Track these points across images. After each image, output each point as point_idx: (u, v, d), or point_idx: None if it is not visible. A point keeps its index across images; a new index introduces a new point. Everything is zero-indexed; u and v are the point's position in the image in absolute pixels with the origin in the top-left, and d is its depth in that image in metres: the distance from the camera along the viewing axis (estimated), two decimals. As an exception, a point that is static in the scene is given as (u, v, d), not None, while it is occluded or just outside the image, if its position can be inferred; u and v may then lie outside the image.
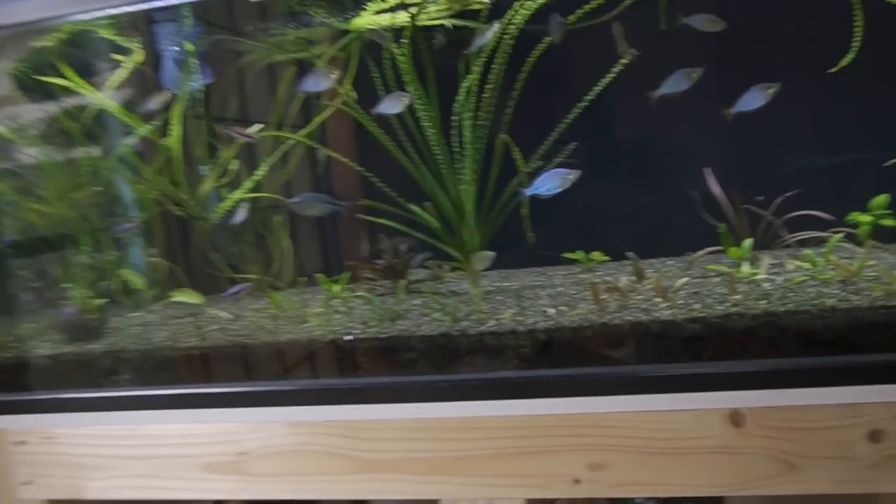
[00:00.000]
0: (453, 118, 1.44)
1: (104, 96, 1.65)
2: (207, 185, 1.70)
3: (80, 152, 1.76)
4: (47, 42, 1.60)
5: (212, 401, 1.29)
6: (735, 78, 1.28)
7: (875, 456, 1.02)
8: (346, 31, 1.54)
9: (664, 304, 1.20)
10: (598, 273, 1.54)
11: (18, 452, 1.38)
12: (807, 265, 1.27)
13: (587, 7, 1.33)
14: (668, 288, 1.23)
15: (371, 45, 1.53)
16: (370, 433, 1.21)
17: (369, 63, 1.50)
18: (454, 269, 1.65)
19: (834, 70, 1.20)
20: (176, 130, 1.65)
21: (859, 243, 1.31)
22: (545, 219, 1.51)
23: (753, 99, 1.16)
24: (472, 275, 1.49)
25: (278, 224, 1.78)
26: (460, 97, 1.43)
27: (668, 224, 1.67)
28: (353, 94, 1.50)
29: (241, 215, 1.57)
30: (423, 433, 1.19)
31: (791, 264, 1.32)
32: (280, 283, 1.76)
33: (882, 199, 1.32)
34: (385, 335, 1.29)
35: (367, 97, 1.49)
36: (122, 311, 1.75)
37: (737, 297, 1.18)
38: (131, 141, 1.70)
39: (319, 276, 1.60)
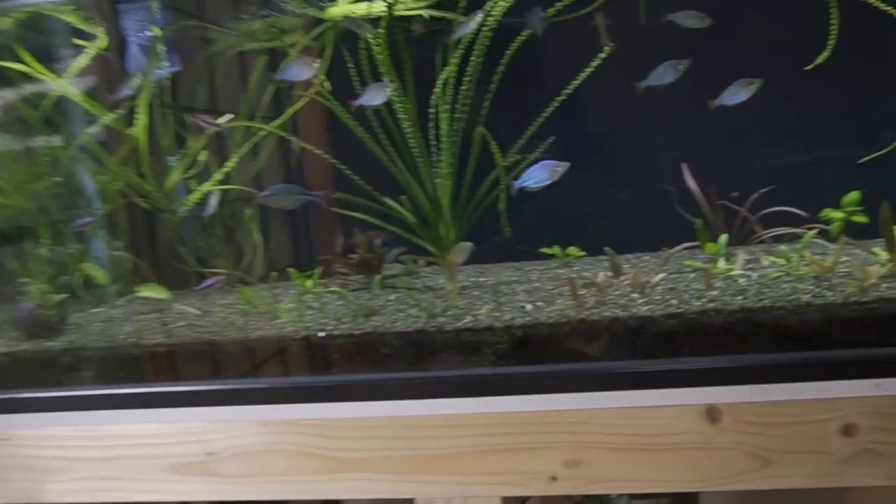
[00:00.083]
0: (430, 110, 1.42)
1: (65, 83, 1.59)
2: (175, 177, 1.65)
3: (39, 141, 1.70)
4: (3, 24, 1.54)
5: (179, 399, 1.25)
6: (710, 74, 1.28)
7: (848, 450, 1.02)
8: (321, 20, 1.51)
9: (641, 300, 1.19)
10: (574, 268, 1.54)
11: (-28, 455, 1.32)
12: (781, 261, 1.28)
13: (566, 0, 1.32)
14: (646, 283, 1.23)
15: (346, 34, 1.50)
16: (343, 432, 1.18)
17: (344, 53, 1.47)
18: (429, 263, 1.63)
19: (809, 67, 1.20)
20: (141, 119, 1.60)
21: (832, 239, 1.32)
22: (521, 213, 1.50)
23: (736, 93, 1.16)
24: (448, 270, 1.47)
25: (249, 217, 1.74)
26: (437, 89, 1.41)
27: (644, 219, 1.67)
28: (328, 85, 1.47)
29: (212, 205, 1.53)
30: (397, 431, 1.17)
31: (766, 260, 1.32)
32: (250, 278, 1.72)
33: (854, 195, 1.34)
34: (359, 331, 1.26)
35: (342, 88, 1.46)
36: (83, 306, 1.69)
37: (713, 292, 1.18)
38: (94, 130, 1.64)
39: (291, 270, 1.56)
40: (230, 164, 1.59)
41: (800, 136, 1.63)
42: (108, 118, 1.59)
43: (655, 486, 1.09)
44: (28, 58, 1.56)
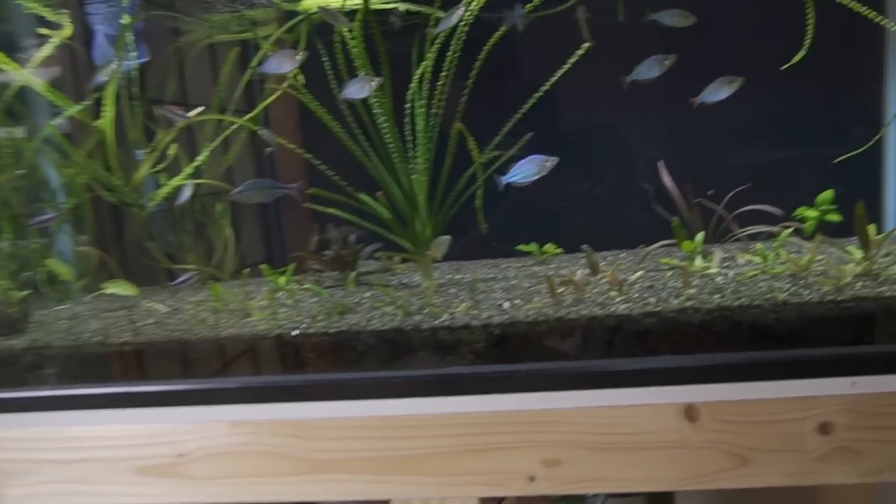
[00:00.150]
0: (406, 105, 1.40)
1: (28, 73, 1.54)
2: (143, 171, 1.61)
3: (0, 133, 1.64)
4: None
5: (147, 399, 1.22)
6: (688, 72, 1.28)
7: (824, 448, 1.03)
8: (294, 13, 1.48)
9: (619, 298, 1.19)
10: (551, 266, 1.53)
11: (-73, 458, 1.27)
12: (757, 259, 1.28)
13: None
14: (623, 281, 1.22)
15: (320, 27, 1.47)
16: (318, 432, 1.16)
17: (318, 46, 1.45)
18: (404, 260, 1.61)
19: (785, 67, 1.21)
20: (109, 111, 1.56)
21: (806, 238, 1.33)
22: (497, 210, 1.49)
23: (717, 91, 1.16)
24: (425, 266, 1.45)
25: (220, 212, 1.70)
26: (413, 84, 1.39)
27: (620, 217, 1.67)
28: (301, 79, 1.44)
29: (185, 195, 1.48)
30: (372, 431, 1.15)
31: (742, 258, 1.33)
32: (221, 275, 1.69)
33: (827, 194, 1.35)
34: (334, 329, 1.24)
35: (316, 82, 1.43)
36: (47, 303, 1.64)
37: (691, 290, 1.18)
38: (59, 121, 1.59)
39: (264, 267, 1.53)
40: (201, 158, 1.55)
41: (773, 135, 1.64)
42: (74, 109, 1.54)
43: (634, 485, 1.09)
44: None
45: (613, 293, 1.22)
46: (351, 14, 1.38)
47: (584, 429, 1.09)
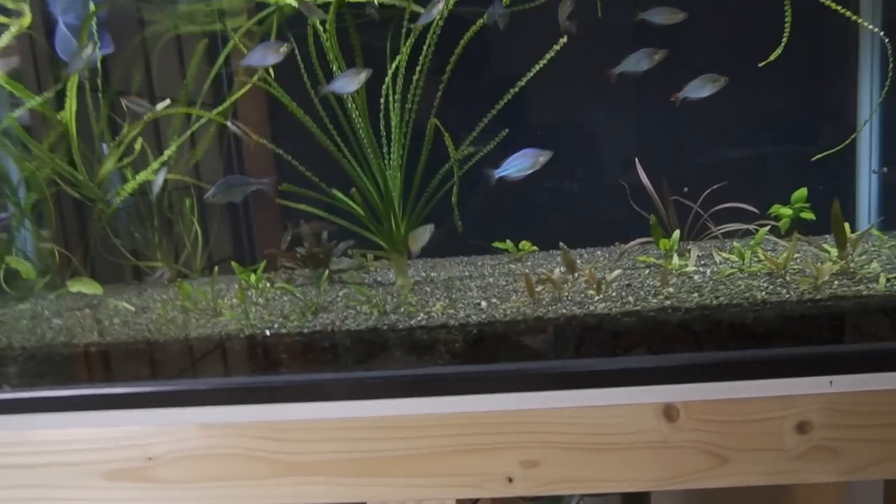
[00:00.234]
0: (380, 100, 1.37)
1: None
2: (108, 165, 1.56)
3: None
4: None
5: (114, 402, 1.18)
6: (659, 70, 1.27)
7: (802, 447, 1.03)
8: (265, 4, 1.44)
9: (598, 297, 1.18)
10: (526, 263, 1.52)
11: None
12: (734, 258, 1.28)
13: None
14: (601, 280, 1.22)
15: (291, 19, 1.44)
16: (292, 434, 1.14)
17: (290, 39, 1.41)
18: (377, 257, 1.59)
19: (762, 64, 1.21)
20: (71, 103, 1.50)
21: (781, 235, 1.34)
22: (472, 206, 1.48)
23: (700, 88, 1.16)
24: (399, 264, 1.43)
25: (188, 208, 1.66)
26: (388, 78, 1.37)
27: (595, 214, 1.67)
28: (270, 72, 1.41)
29: (158, 183, 1.43)
30: (348, 433, 1.13)
31: (718, 256, 1.33)
32: (190, 272, 1.64)
33: (802, 192, 1.35)
34: (307, 329, 1.21)
35: (286, 76, 1.40)
36: (7, 301, 1.59)
37: (669, 289, 1.18)
38: (18, 113, 1.53)
39: (234, 265, 1.50)
40: (168, 153, 1.51)
41: (746, 133, 1.65)
42: (35, 101, 1.49)
43: (613, 485, 1.09)
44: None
45: (591, 292, 1.21)
46: (324, 6, 1.34)
47: (563, 429, 1.08)
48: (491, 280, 1.39)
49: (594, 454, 1.08)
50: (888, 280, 1.09)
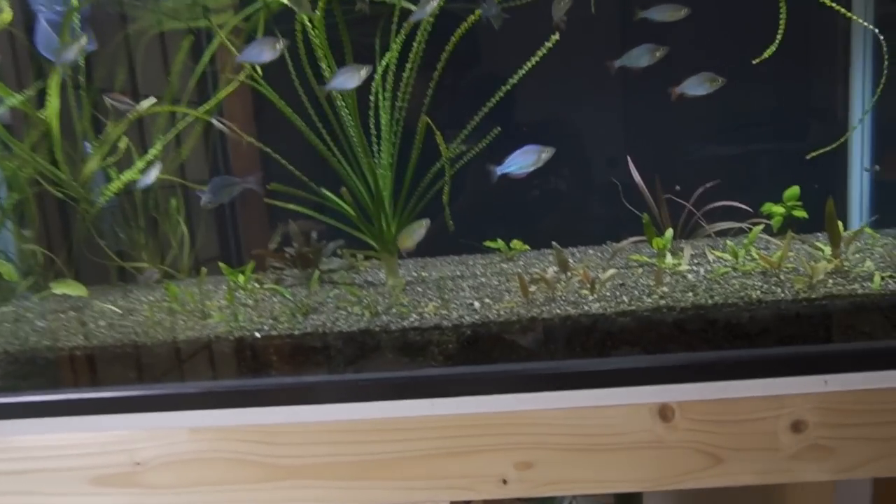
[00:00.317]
0: (370, 97, 1.36)
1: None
2: (92, 165, 1.53)
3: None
4: None
5: (101, 406, 1.16)
6: (657, 66, 1.26)
7: (796, 446, 1.03)
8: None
9: (592, 297, 1.17)
10: (518, 262, 1.51)
11: None
12: (727, 256, 1.28)
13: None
14: (595, 280, 1.21)
15: (279, 15, 1.42)
16: (284, 437, 1.12)
17: (277, 35, 1.39)
18: (367, 257, 1.57)
19: (757, 61, 1.20)
20: (54, 101, 1.47)
21: (773, 233, 1.33)
22: (463, 205, 1.46)
23: (698, 85, 1.15)
24: (390, 264, 1.42)
25: (174, 207, 1.63)
26: (377, 75, 1.35)
27: (586, 212, 1.66)
28: (258, 70, 1.38)
29: (151, 177, 1.39)
30: (340, 436, 1.11)
31: (712, 255, 1.32)
32: (177, 273, 1.62)
33: (794, 190, 1.35)
34: (298, 331, 1.19)
35: (274, 73, 1.38)
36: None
37: (663, 289, 1.17)
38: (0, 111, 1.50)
39: (222, 265, 1.47)
40: (154, 151, 1.48)
41: (738, 130, 1.64)
42: (16, 99, 1.46)
43: (608, 486, 1.08)
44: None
45: (585, 292, 1.20)
46: (313, 1, 1.32)
47: (557, 430, 1.08)
48: (483, 280, 1.38)
49: (589, 455, 1.07)
50: (883, 279, 1.09)
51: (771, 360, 1.03)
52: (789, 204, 1.32)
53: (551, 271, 1.24)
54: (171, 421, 1.15)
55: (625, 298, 1.15)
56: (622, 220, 1.47)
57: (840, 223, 1.18)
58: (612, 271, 1.21)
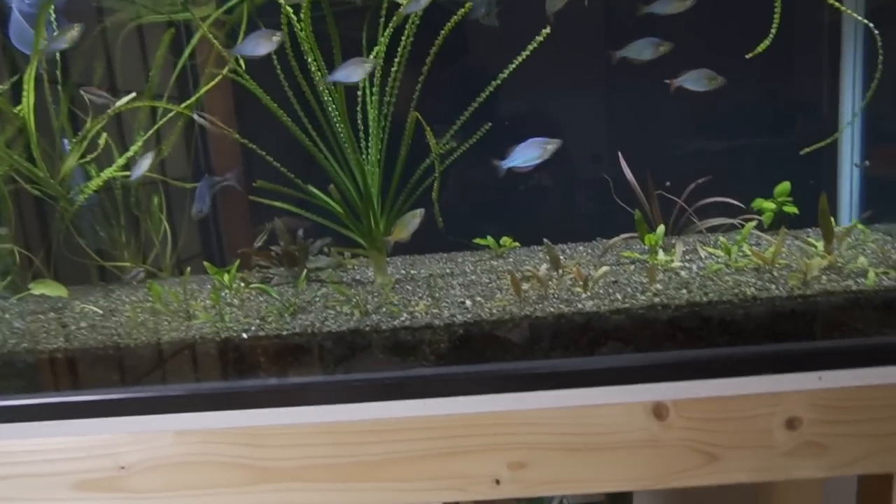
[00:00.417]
0: (358, 93, 1.33)
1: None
2: (70, 162, 1.49)
3: None
4: None
5: (84, 410, 1.13)
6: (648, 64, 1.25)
7: (791, 443, 1.03)
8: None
9: (585, 295, 1.16)
10: (508, 259, 1.49)
11: None
12: (720, 252, 1.27)
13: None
14: (588, 277, 1.20)
15: (262, 8, 1.39)
16: (272, 440, 1.10)
17: (262, 28, 1.36)
18: (355, 255, 1.55)
19: (751, 55, 1.19)
20: (29, 97, 1.43)
21: (763, 229, 1.33)
22: (452, 202, 1.45)
23: (697, 82, 1.14)
24: (379, 262, 1.40)
25: (156, 205, 1.60)
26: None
27: (576, 208, 1.65)
28: (241, 63, 1.35)
29: (143, 167, 1.35)
30: (331, 437, 1.10)
31: (704, 251, 1.32)
32: (160, 272, 1.58)
33: (785, 186, 1.35)
34: (286, 331, 1.17)
35: (257, 67, 1.35)
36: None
37: (657, 286, 1.16)
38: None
39: (206, 264, 1.44)
40: (134, 148, 1.45)
41: (728, 126, 1.64)
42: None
43: (601, 485, 1.07)
44: None
45: (578, 289, 1.19)
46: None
47: (550, 430, 1.07)
48: (473, 277, 1.36)
49: (583, 454, 1.06)
50: (877, 275, 1.09)
51: (765, 357, 1.03)
52: (780, 200, 1.32)
53: (543, 269, 1.22)
54: (156, 424, 1.12)
55: (618, 296, 1.14)
56: (612, 217, 1.46)
57: (831, 218, 1.18)
58: (605, 268, 1.20)
